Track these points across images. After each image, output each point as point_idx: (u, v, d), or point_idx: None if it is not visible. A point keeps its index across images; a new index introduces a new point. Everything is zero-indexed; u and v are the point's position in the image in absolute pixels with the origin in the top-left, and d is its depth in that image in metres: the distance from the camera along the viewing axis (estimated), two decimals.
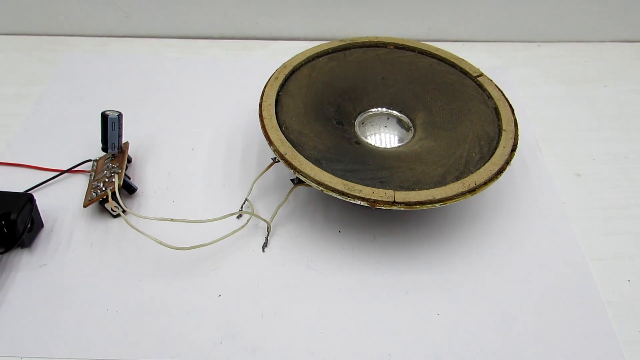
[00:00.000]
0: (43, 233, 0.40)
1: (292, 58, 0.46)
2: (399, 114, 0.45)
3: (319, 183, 0.36)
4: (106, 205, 0.41)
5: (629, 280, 0.39)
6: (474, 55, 0.60)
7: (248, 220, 0.41)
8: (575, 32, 0.62)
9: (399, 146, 0.43)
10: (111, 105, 0.50)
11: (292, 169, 0.37)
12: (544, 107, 0.54)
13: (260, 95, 0.43)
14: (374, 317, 0.36)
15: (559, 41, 0.63)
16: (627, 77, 0.58)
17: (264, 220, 0.41)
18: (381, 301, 0.37)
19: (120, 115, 0.43)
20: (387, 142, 0.44)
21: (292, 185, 0.40)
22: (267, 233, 0.41)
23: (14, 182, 0.44)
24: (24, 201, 0.38)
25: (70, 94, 0.53)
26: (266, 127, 0.40)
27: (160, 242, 0.37)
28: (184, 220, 0.38)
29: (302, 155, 0.38)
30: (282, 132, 0.39)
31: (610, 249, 0.41)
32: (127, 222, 0.38)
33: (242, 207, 0.42)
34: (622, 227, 0.43)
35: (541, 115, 0.53)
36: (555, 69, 0.59)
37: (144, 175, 0.45)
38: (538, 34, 0.62)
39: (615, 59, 0.61)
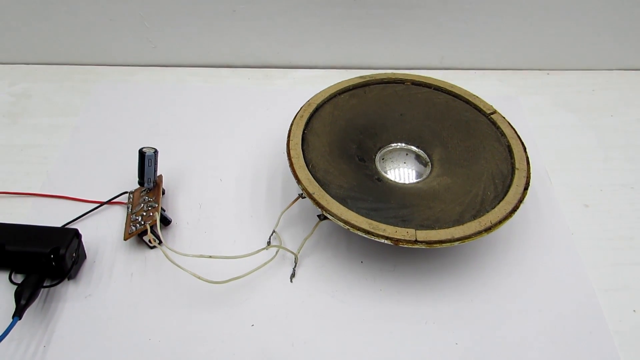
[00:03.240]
0: (86, 264, 0.43)
1: (316, 95, 0.49)
2: (417, 150, 0.48)
3: (345, 222, 0.39)
4: (144, 237, 0.44)
5: (634, 311, 0.42)
6: (485, 84, 0.63)
7: (277, 253, 0.44)
8: (584, 61, 0.65)
9: (418, 182, 0.46)
10: (142, 136, 0.53)
11: (319, 207, 0.40)
12: (553, 136, 0.57)
13: (286, 130, 0.46)
14: (395, 345, 0.39)
15: (567, 69, 0.65)
16: (634, 106, 0.61)
17: (292, 252, 0.44)
18: (402, 330, 0.40)
19: (156, 152, 0.46)
20: (406, 178, 0.46)
21: (318, 220, 0.43)
22: (294, 264, 0.44)
23: (55, 214, 0.46)
24: (71, 236, 0.41)
25: (102, 125, 0.56)
26: (294, 166, 0.42)
27: (198, 277, 0.39)
28: (220, 257, 0.41)
29: (328, 194, 0.40)
30: (309, 170, 0.42)
31: (617, 280, 0.44)
32: (166, 256, 0.41)
33: (270, 238, 0.45)
34: (629, 258, 0.45)
35: (551, 144, 0.56)
36: (564, 97, 0.62)
37: (177, 206, 0.48)
38: (547, 62, 0.65)
39: (623, 87, 0.63)
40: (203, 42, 0.63)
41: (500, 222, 0.39)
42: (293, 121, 0.46)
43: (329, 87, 0.50)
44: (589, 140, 0.57)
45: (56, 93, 0.60)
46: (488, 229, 0.39)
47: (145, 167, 0.46)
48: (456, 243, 0.38)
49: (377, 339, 0.39)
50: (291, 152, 0.43)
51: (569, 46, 0.64)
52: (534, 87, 0.63)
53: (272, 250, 0.44)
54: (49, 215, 0.46)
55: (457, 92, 0.50)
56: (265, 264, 0.42)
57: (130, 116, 0.57)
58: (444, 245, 0.38)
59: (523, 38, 0.63)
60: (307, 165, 0.43)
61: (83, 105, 0.58)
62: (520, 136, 0.47)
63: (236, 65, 0.65)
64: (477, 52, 0.64)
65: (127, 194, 0.48)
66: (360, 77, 0.51)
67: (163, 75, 0.63)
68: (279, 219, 0.46)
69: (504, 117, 0.48)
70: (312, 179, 0.41)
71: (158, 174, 0.48)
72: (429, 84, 0.51)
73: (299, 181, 0.42)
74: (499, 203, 0.41)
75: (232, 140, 0.55)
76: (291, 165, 0.43)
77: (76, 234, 0.41)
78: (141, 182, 0.46)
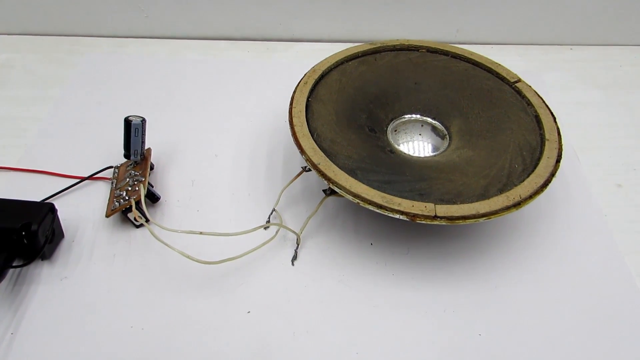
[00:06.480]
0: (64, 244, 0.39)
1: (321, 62, 0.45)
2: (434, 121, 0.44)
3: (355, 195, 0.34)
4: (129, 215, 0.39)
5: None
6: (503, 59, 0.58)
7: (277, 232, 0.39)
8: (609, 35, 0.60)
9: (435, 155, 0.41)
10: (131, 110, 0.49)
11: (325, 179, 0.35)
12: (579, 114, 0.52)
13: (288, 100, 0.41)
14: (411, 337, 0.35)
15: (592, 44, 0.61)
16: None
17: (294, 232, 0.39)
18: (418, 320, 0.35)
19: (143, 120, 0.41)
20: (422, 151, 0.42)
21: (324, 195, 0.38)
22: (296, 245, 0.39)
23: (32, 189, 0.42)
24: (45, 211, 0.36)
25: (88, 97, 0.51)
26: (297, 134, 0.38)
27: (188, 256, 0.35)
28: (212, 234, 0.36)
29: (336, 165, 0.36)
30: (314, 140, 0.38)
31: None
32: (152, 233, 0.36)
33: (269, 217, 0.41)
34: None
35: (576, 121, 0.51)
36: (588, 73, 0.57)
37: (167, 183, 0.44)
38: (570, 36, 0.61)
39: None
40: (200, 12, 0.58)
41: (531, 197, 0.35)
42: (296, 88, 0.42)
43: (335, 54, 0.46)
44: (619, 118, 0.52)
45: (40, 64, 0.55)
46: (517, 204, 0.34)
47: (132, 137, 0.41)
48: (481, 219, 0.33)
49: (388, 329, 0.35)
50: (294, 119, 0.39)
51: (594, 20, 0.59)
52: (557, 62, 0.59)
53: (272, 230, 0.40)
54: (26, 191, 0.42)
55: (476, 59, 0.46)
56: (264, 244, 0.38)
57: (119, 89, 0.52)
58: (468, 221, 0.33)
59: (544, 10, 0.59)
60: (312, 135, 0.38)
61: (68, 77, 0.53)
62: (549, 105, 0.42)
63: (235, 37, 0.60)
64: (494, 24, 0.60)
65: (112, 169, 0.44)
66: (371, 43, 0.47)
67: (156, 48, 0.59)
68: (280, 196, 0.41)
69: (530, 86, 0.43)
70: (317, 148, 0.37)
71: (147, 147, 0.43)
72: (446, 51, 0.46)
73: (302, 151, 0.37)
74: (528, 176, 0.36)
75: (230, 115, 0.50)
76: (294, 134, 0.38)
77: (51, 209, 0.37)
78: (127, 155, 0.42)
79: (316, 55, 0.58)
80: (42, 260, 0.37)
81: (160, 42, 0.59)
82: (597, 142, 0.49)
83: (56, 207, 0.37)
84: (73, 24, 0.59)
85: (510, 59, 0.59)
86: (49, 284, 0.36)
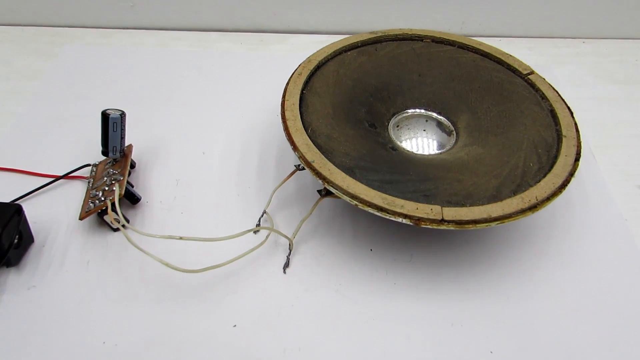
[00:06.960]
0: (33, 249, 0.35)
1: (317, 52, 0.41)
2: (439, 116, 0.40)
3: (353, 196, 0.31)
4: (105, 217, 0.36)
5: None
6: (512, 53, 0.55)
7: (267, 237, 0.36)
8: (624, 29, 0.57)
9: (440, 153, 0.38)
10: (113, 104, 0.45)
11: (320, 179, 0.32)
12: (593, 110, 0.49)
13: (282, 93, 0.38)
14: (415, 354, 0.31)
15: (606, 38, 0.57)
16: None
17: (286, 237, 0.36)
18: (423, 335, 0.32)
19: (123, 114, 0.38)
20: (426, 148, 0.38)
21: (319, 196, 0.35)
22: (288, 251, 0.36)
23: (2, 190, 0.39)
24: (11, 213, 0.33)
25: (68, 91, 0.48)
26: (290, 129, 0.34)
27: (166, 264, 0.31)
28: (194, 239, 0.32)
29: (332, 163, 0.33)
30: (308, 135, 0.34)
31: None
32: (128, 239, 0.33)
33: (259, 220, 0.37)
34: None
35: (591, 118, 0.48)
36: (602, 68, 0.54)
37: (149, 182, 0.40)
38: (583, 29, 0.57)
39: None
40: (189, 2, 0.55)
41: (549, 198, 0.31)
42: (290, 79, 0.38)
43: (333, 43, 0.42)
44: (635, 115, 0.49)
45: (17, 56, 0.52)
46: (533, 207, 0.31)
47: (110, 132, 0.38)
48: (494, 224, 0.30)
49: (389, 344, 0.32)
50: (286, 113, 0.35)
51: (608, 12, 0.56)
52: (568, 56, 0.55)
53: (262, 234, 0.36)
54: None
55: (485, 50, 0.42)
56: (253, 250, 0.34)
57: (102, 82, 0.49)
58: (479, 226, 0.30)
59: (555, 1, 0.55)
60: (306, 130, 0.35)
61: (47, 70, 0.50)
62: (565, 99, 0.39)
63: (227, 29, 0.57)
64: (503, 16, 0.56)
65: (90, 167, 0.40)
66: (371, 32, 0.43)
67: (142, 39, 0.55)
68: (271, 197, 0.38)
69: (544, 78, 0.40)
70: (312, 144, 0.34)
71: (128, 143, 0.40)
72: (453, 41, 0.43)
73: (295, 148, 0.34)
74: (544, 176, 0.33)
75: (219, 110, 0.47)
76: (286, 129, 0.35)
77: (18, 211, 0.33)
78: (105, 152, 0.38)
79: (312, 47, 0.54)
80: (7, 267, 0.34)
81: (147, 33, 0.56)
82: (615, 140, 0.46)
83: (24, 208, 0.34)
84: (53, 14, 0.55)
85: (519, 53, 0.55)
86: (14, 293, 0.33)
